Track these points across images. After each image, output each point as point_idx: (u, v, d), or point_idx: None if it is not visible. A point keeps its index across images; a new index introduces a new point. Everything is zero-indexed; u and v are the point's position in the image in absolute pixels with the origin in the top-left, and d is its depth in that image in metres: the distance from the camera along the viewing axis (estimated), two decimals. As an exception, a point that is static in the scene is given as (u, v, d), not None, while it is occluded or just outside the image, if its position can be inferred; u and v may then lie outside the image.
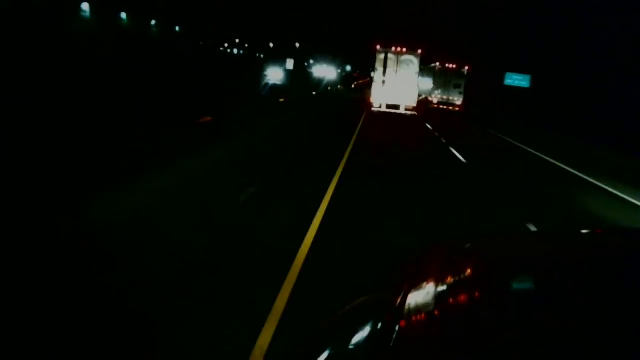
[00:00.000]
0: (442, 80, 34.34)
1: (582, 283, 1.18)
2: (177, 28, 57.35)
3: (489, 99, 36.78)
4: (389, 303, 1.11)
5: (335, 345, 1.12)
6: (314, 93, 31.70)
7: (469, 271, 1.37)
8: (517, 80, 37.30)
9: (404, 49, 24.87)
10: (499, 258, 1.44)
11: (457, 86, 33.86)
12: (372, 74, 27.07)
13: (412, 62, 24.81)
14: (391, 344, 0.93)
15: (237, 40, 77.51)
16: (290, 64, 50.30)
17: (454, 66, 33.87)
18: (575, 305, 1.06)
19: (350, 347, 1.06)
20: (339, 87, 53.80)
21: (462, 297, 1.17)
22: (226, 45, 75.72)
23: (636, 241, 1.50)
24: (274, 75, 33.19)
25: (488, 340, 0.94)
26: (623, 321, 0.98)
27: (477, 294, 1.18)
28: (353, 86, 60.70)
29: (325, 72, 54.33)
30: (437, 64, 35.00)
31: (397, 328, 0.98)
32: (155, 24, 51.15)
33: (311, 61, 73.79)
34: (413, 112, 25.21)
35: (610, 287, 1.15)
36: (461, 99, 33.91)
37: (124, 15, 43.66)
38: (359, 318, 1.18)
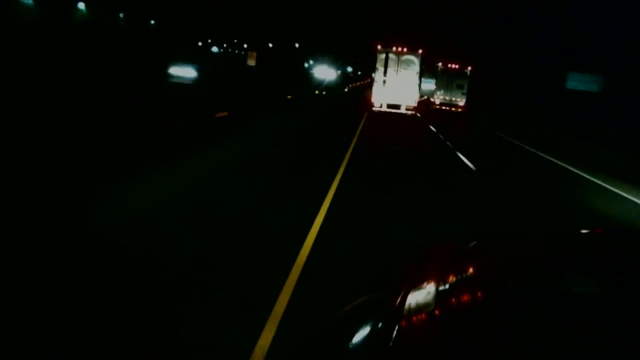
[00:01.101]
0: (445, 80, 34.25)
1: (582, 283, 1.18)
2: (152, 22, 51.61)
3: (492, 99, 36.47)
4: (389, 303, 1.11)
5: (335, 345, 1.12)
6: (216, 116, 15.34)
7: (468, 271, 1.37)
8: (582, 82, 29.20)
9: (405, 49, 24.89)
10: (498, 258, 1.44)
11: (459, 87, 33.76)
12: (373, 74, 27.03)
13: (413, 62, 24.83)
14: (391, 344, 0.93)
15: (235, 40, 77.57)
16: (252, 59, 40.76)
17: (457, 66, 33.78)
18: (575, 305, 1.06)
19: (350, 347, 1.06)
20: (317, 92, 38.52)
21: (462, 297, 1.17)
22: (225, 45, 75.84)
23: (636, 241, 1.50)
24: (182, 72, 26.61)
25: (488, 341, 0.94)
26: (623, 321, 0.98)
27: (477, 293, 1.18)
28: (346, 89, 49.99)
29: (325, 72, 53.02)
30: (440, 64, 34.91)
31: (397, 328, 0.98)
32: (124, 16, 44.82)
33: (311, 61, 73.87)
34: (413, 112, 25.21)
35: (610, 287, 1.15)
36: (464, 100, 33.84)
37: (81, 5, 36.64)
38: (359, 318, 1.18)
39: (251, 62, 41.21)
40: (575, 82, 29.56)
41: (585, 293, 1.13)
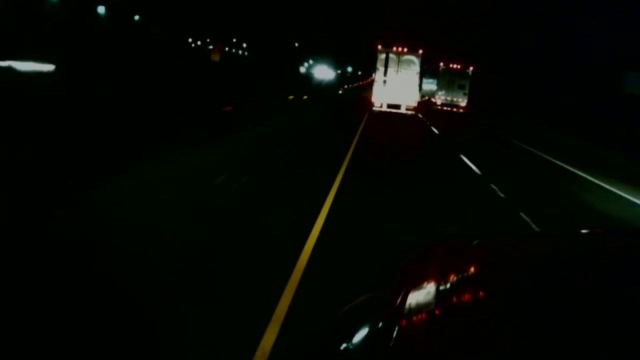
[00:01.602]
0: (446, 80, 34.08)
1: (581, 283, 1.18)
2: (137, 17, 47.65)
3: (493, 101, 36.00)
4: (389, 303, 1.11)
5: (336, 344, 1.12)
6: None
7: (468, 271, 1.37)
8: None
9: (405, 49, 24.96)
10: (498, 258, 1.44)
11: (461, 87, 33.59)
12: (374, 74, 27.05)
13: (413, 62, 24.91)
14: (391, 344, 0.93)
15: (234, 40, 77.56)
16: (215, 55, 35.91)
17: (459, 66, 33.63)
18: (575, 305, 1.06)
19: (350, 346, 1.06)
20: (292, 97, 26.35)
21: (462, 297, 1.17)
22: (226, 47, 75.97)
23: (636, 241, 1.50)
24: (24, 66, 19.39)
25: (488, 340, 0.94)
26: (623, 321, 0.98)
27: (477, 293, 1.18)
28: (341, 91, 43.65)
29: (324, 72, 52.81)
30: (441, 64, 34.74)
31: (397, 328, 0.98)
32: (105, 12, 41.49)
33: (311, 61, 73.94)
34: (413, 112, 25.25)
35: (610, 287, 1.15)
36: (465, 100, 33.68)
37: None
38: (359, 318, 1.18)
39: (215, 58, 35.21)
40: (638, 83, 22.75)
41: (585, 293, 1.13)
